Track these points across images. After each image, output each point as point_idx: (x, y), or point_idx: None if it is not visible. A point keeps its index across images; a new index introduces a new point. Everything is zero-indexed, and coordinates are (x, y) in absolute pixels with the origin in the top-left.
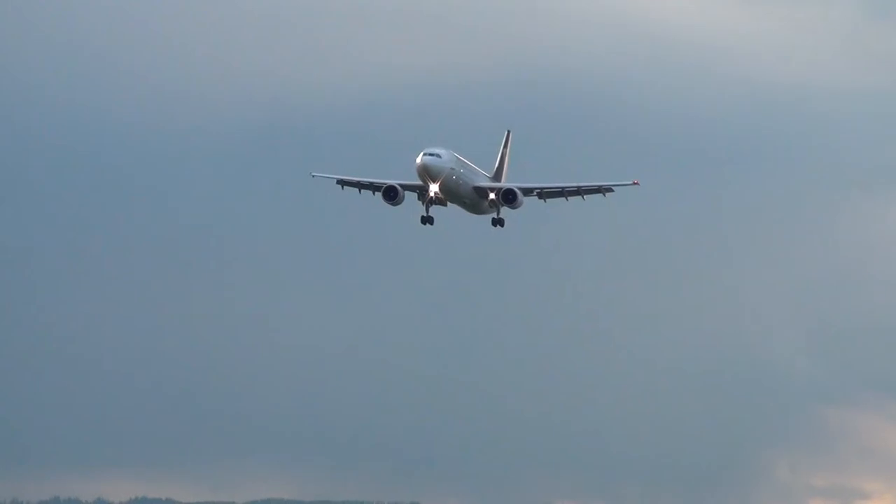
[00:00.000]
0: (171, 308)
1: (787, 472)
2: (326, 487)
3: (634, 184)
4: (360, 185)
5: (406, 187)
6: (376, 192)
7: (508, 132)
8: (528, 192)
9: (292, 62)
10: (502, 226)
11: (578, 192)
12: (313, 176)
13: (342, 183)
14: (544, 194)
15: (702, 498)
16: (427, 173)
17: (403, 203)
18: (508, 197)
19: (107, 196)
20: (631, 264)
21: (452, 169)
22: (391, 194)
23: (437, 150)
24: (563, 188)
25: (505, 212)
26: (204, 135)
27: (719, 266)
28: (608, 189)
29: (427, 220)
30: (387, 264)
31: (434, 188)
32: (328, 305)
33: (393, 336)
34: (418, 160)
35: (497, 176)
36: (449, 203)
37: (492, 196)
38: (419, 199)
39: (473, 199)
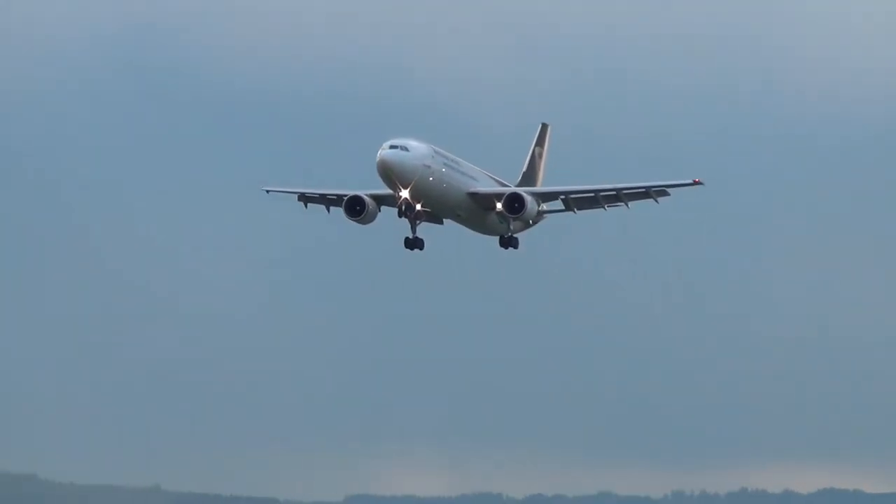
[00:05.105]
0: None
1: None
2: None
3: (696, 183)
4: (326, 201)
5: (380, 199)
6: None
7: (544, 125)
8: (549, 198)
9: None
10: (515, 247)
11: (619, 196)
12: (267, 192)
13: (304, 200)
14: (572, 201)
15: None
16: (390, 173)
17: (397, 222)
18: (514, 205)
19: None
20: (698, 293)
21: (427, 167)
22: (355, 207)
23: (403, 142)
24: (597, 192)
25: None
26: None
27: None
28: (662, 192)
29: (413, 243)
30: (357, 301)
31: (405, 195)
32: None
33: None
34: (377, 156)
35: (525, 183)
36: (446, 220)
37: (499, 206)
38: (404, 215)
39: (471, 211)
